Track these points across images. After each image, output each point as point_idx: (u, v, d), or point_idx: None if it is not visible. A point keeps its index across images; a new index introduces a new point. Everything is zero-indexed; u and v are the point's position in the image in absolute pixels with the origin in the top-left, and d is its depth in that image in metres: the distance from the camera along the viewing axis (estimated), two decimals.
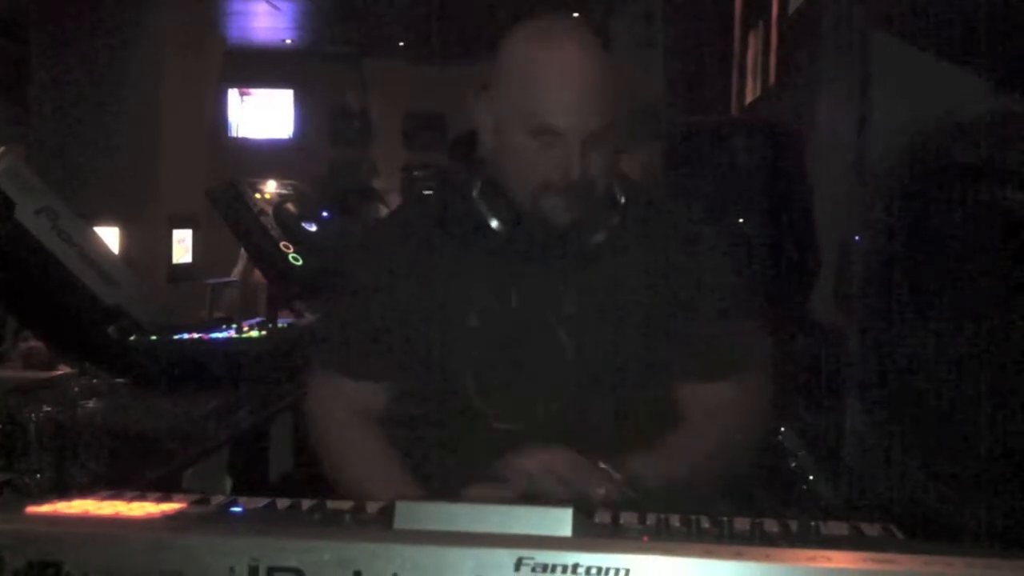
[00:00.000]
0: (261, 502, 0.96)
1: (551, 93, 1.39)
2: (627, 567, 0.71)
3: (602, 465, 1.32)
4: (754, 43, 5.32)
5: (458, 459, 1.47)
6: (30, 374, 2.54)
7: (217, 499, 0.96)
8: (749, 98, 5.39)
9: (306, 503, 0.96)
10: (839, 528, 0.89)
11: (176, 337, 2.45)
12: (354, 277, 1.62)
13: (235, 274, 5.01)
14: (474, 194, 1.48)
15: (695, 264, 1.51)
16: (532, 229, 1.45)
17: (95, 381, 2.29)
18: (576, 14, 1.55)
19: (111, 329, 2.23)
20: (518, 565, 0.71)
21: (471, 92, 1.50)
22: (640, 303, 1.49)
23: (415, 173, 10.38)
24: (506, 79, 1.43)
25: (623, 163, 1.58)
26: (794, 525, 0.89)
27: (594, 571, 0.70)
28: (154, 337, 2.38)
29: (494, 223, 1.46)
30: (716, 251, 1.56)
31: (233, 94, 12.02)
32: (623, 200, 1.50)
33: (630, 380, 1.48)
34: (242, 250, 5.00)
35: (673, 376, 1.50)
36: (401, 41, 10.79)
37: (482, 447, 1.42)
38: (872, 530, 0.89)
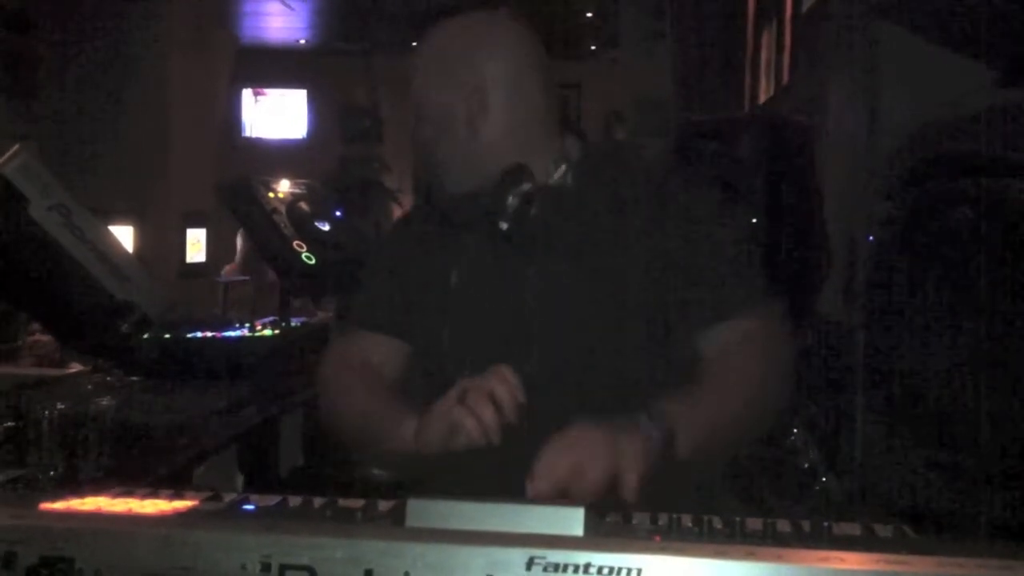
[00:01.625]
0: (273, 499, 0.96)
1: (417, 71, 1.64)
2: (639, 567, 0.70)
3: (643, 424, 1.23)
4: (767, 41, 5.31)
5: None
6: (43, 371, 2.55)
7: (229, 496, 0.96)
8: (762, 96, 5.38)
9: (318, 500, 0.96)
10: (852, 528, 0.88)
11: (188, 335, 2.45)
12: (375, 259, 1.77)
13: (235, 264, 5.02)
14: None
15: (686, 213, 1.52)
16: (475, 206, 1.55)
17: (107, 378, 2.30)
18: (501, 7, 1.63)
19: (124, 325, 2.24)
20: (530, 564, 0.71)
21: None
22: (625, 260, 1.49)
23: None
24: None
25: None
26: (806, 525, 0.88)
27: (606, 571, 0.70)
28: (167, 335, 2.38)
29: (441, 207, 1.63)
30: (703, 199, 1.57)
31: (247, 94, 12.05)
32: (564, 163, 1.56)
33: (618, 347, 1.48)
34: (239, 240, 5.01)
35: (685, 325, 1.48)
36: (413, 39, 10.80)
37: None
38: (885, 530, 0.89)
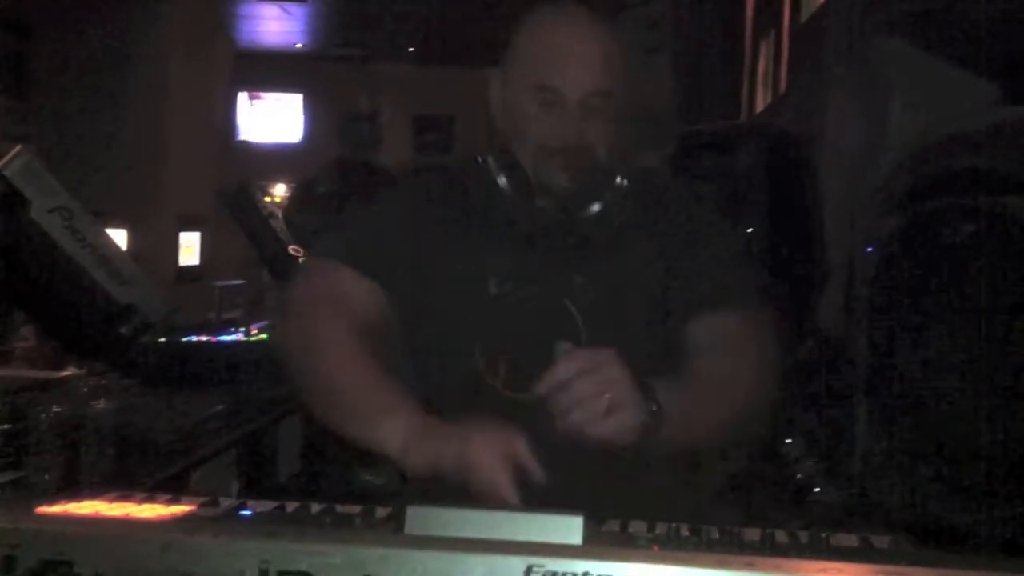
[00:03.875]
0: (270, 505, 0.96)
1: (552, 55, 1.48)
2: None
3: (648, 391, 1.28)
4: (765, 52, 5.32)
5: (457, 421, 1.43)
6: (40, 374, 2.55)
7: (227, 501, 0.96)
8: (760, 106, 5.39)
9: (316, 506, 0.96)
10: (849, 539, 0.89)
11: (185, 339, 2.45)
12: (378, 202, 1.64)
13: None
14: (488, 161, 1.51)
15: (694, 221, 1.57)
16: (535, 196, 1.49)
17: (104, 381, 2.29)
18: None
19: (124, 328, 2.24)
20: (528, 572, 0.71)
21: (488, 72, 1.59)
22: (644, 266, 1.52)
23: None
24: (513, 51, 1.53)
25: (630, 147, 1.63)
26: (804, 536, 0.88)
27: None
28: (163, 338, 2.38)
29: (503, 187, 1.50)
30: (709, 205, 1.65)
31: (243, 98, 12.04)
32: (624, 178, 1.53)
33: (637, 346, 1.48)
34: None
35: (679, 317, 1.51)
36: (411, 45, 10.81)
37: (486, 414, 1.41)
38: (882, 541, 0.89)
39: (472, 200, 1.54)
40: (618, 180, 1.52)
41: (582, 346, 1.44)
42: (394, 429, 1.30)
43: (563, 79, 1.46)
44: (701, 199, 1.66)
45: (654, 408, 1.28)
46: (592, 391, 1.22)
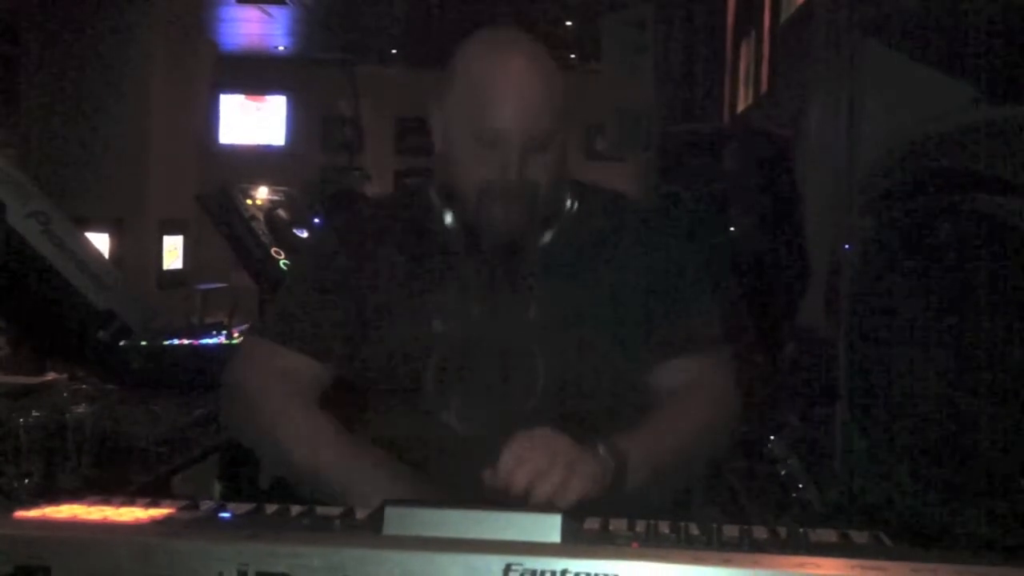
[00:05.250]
0: (249, 507, 0.96)
1: (494, 97, 1.44)
2: (616, 573, 0.71)
3: (601, 449, 1.29)
4: (746, 52, 5.34)
5: (413, 460, 1.43)
6: (19, 379, 2.53)
7: (206, 504, 0.96)
8: (741, 106, 5.41)
9: (295, 509, 0.96)
10: (828, 535, 0.89)
11: (166, 342, 2.44)
12: (308, 263, 1.63)
13: None
14: (430, 193, 1.52)
15: (651, 253, 1.55)
16: (483, 231, 1.47)
17: (84, 386, 2.28)
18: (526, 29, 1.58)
19: (101, 333, 2.23)
20: (507, 571, 0.71)
21: (428, 98, 1.55)
22: (598, 301, 1.50)
23: (407, 180, 10.39)
24: (455, 85, 1.48)
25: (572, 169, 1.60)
26: (783, 532, 0.89)
27: None
28: (144, 342, 2.37)
29: (446, 222, 1.50)
30: (671, 239, 1.61)
31: (225, 100, 12.01)
32: (574, 203, 1.54)
33: (592, 381, 1.48)
34: None
35: (639, 363, 1.50)
36: (393, 48, 10.80)
37: (440, 451, 1.42)
38: (861, 537, 0.90)
39: (418, 235, 1.53)
40: (568, 204, 1.53)
41: (540, 381, 1.44)
42: (377, 489, 1.31)
43: (505, 123, 1.42)
44: (669, 231, 1.63)
45: (613, 462, 1.29)
46: (542, 468, 1.21)
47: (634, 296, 1.51)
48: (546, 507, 0.81)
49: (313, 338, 1.51)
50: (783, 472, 2.22)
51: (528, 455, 1.21)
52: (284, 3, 9.12)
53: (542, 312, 1.48)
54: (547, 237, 1.50)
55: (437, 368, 1.46)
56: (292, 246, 2.96)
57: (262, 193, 10.64)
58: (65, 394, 2.15)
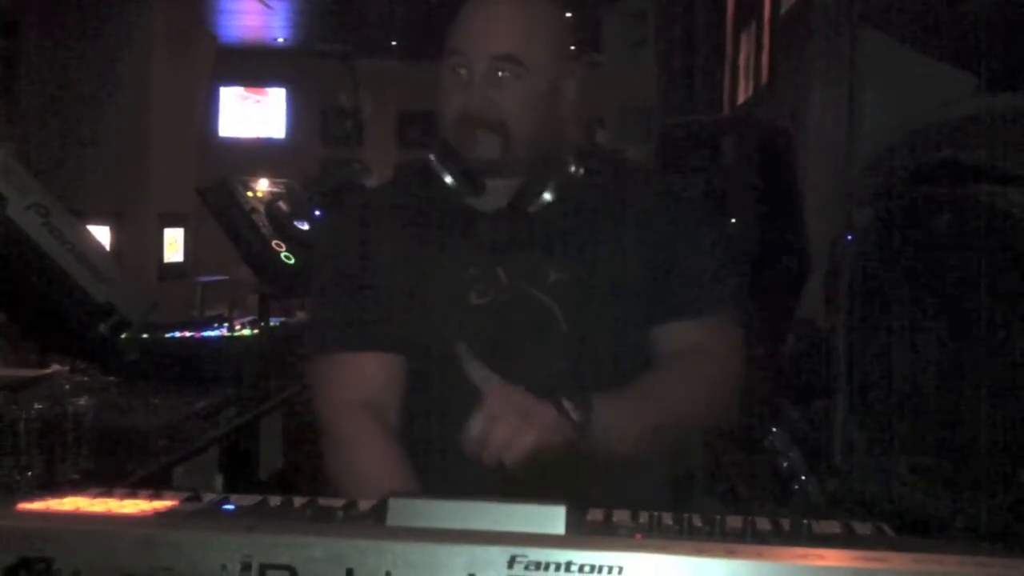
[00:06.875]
0: (252, 499, 0.96)
1: (463, 17, 1.45)
2: (620, 565, 0.71)
3: (565, 403, 1.30)
4: (746, 44, 5.33)
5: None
6: (20, 371, 2.53)
7: (208, 496, 0.96)
8: (741, 98, 5.40)
9: (298, 500, 0.96)
10: (830, 527, 0.89)
11: (167, 335, 2.44)
12: (333, 257, 1.58)
13: None
14: (430, 160, 1.49)
15: (660, 216, 1.53)
16: (482, 189, 1.46)
17: (85, 378, 2.28)
18: None
19: (102, 326, 2.23)
20: (511, 563, 0.71)
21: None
22: (607, 262, 1.48)
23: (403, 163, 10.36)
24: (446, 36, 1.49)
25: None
26: (786, 523, 0.88)
27: (587, 569, 0.70)
28: (144, 335, 2.37)
29: (450, 186, 1.46)
30: (680, 202, 1.60)
31: (225, 93, 11.99)
32: (580, 164, 1.51)
33: (607, 342, 1.47)
34: None
35: (642, 322, 1.49)
36: (393, 40, 10.78)
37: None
38: (863, 528, 0.89)
39: (424, 208, 1.50)
40: (572, 169, 1.50)
41: (565, 340, 1.44)
42: None
43: (468, 42, 1.42)
44: (676, 194, 1.62)
45: (577, 416, 1.29)
46: (506, 428, 1.25)
47: (640, 258, 1.49)
48: (549, 498, 0.81)
49: (375, 331, 1.47)
50: (784, 464, 2.22)
51: (492, 412, 1.25)
52: None
53: (556, 274, 1.46)
54: (549, 196, 1.46)
55: (472, 339, 1.42)
56: (293, 239, 2.95)
57: (262, 185, 10.59)
58: (66, 386, 2.15)
